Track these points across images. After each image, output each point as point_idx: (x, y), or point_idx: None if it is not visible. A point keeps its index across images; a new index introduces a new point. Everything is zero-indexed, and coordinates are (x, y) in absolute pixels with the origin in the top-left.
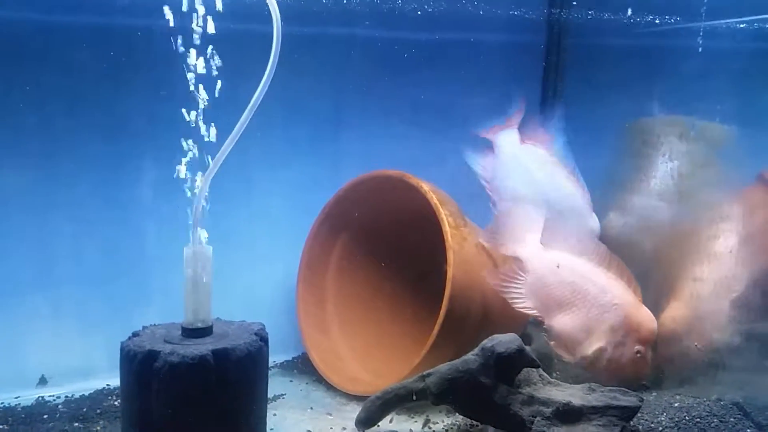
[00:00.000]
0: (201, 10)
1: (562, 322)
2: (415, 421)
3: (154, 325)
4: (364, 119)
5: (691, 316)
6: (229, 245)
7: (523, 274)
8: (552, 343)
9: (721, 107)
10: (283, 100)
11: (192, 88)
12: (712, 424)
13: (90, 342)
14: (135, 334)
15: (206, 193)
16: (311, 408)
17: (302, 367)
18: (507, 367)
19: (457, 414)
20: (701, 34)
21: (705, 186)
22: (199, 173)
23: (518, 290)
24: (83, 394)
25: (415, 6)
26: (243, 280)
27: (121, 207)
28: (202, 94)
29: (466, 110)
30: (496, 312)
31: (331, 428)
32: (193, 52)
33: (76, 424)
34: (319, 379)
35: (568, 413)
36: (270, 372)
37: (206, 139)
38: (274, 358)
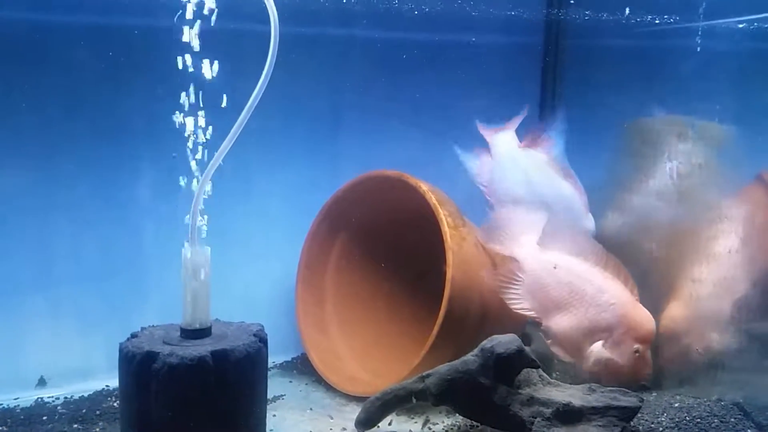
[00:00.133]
0: (199, 10)
1: (560, 322)
2: (415, 422)
3: (153, 326)
4: (363, 120)
5: (690, 316)
6: (228, 246)
7: (520, 275)
8: (550, 343)
9: (720, 107)
10: (281, 101)
11: (190, 88)
12: (713, 425)
13: (89, 343)
14: (134, 335)
15: (204, 194)
16: (311, 409)
17: (301, 367)
18: (506, 368)
19: (456, 415)
20: (700, 33)
21: (704, 186)
22: (198, 173)
23: (515, 291)
24: (82, 395)
25: (413, 6)
26: (242, 281)
27: (120, 207)
28: (201, 95)
29: (465, 111)
30: (495, 312)
31: (331, 429)
32: (191, 51)
33: (76, 425)
34: (319, 380)
35: (568, 414)
36: (269, 372)
37: (204, 139)
38: (274, 358)
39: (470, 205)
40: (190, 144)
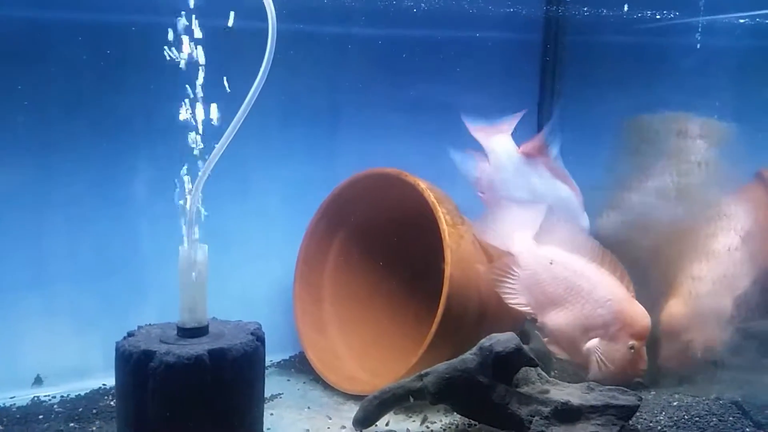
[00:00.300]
0: (197, 6)
1: (556, 318)
2: (413, 421)
3: (150, 324)
4: (361, 117)
5: (690, 314)
6: (225, 244)
7: (516, 270)
8: (545, 339)
9: (720, 104)
10: (279, 99)
11: (187, 86)
12: (711, 423)
13: (86, 341)
14: (130, 334)
15: (201, 192)
16: (308, 407)
17: (299, 366)
18: (505, 367)
19: (455, 413)
20: (700, 30)
21: (704, 184)
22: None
23: (512, 286)
24: (79, 394)
25: (412, 3)
26: (239, 279)
27: (118, 205)
28: (198, 92)
29: (464, 108)
30: (493, 310)
31: (329, 428)
32: (188, 49)
33: (72, 424)
34: (317, 379)
35: (566, 412)
36: (267, 371)
37: (201, 137)
38: (271, 357)
39: (469, 203)
40: (189, 141)
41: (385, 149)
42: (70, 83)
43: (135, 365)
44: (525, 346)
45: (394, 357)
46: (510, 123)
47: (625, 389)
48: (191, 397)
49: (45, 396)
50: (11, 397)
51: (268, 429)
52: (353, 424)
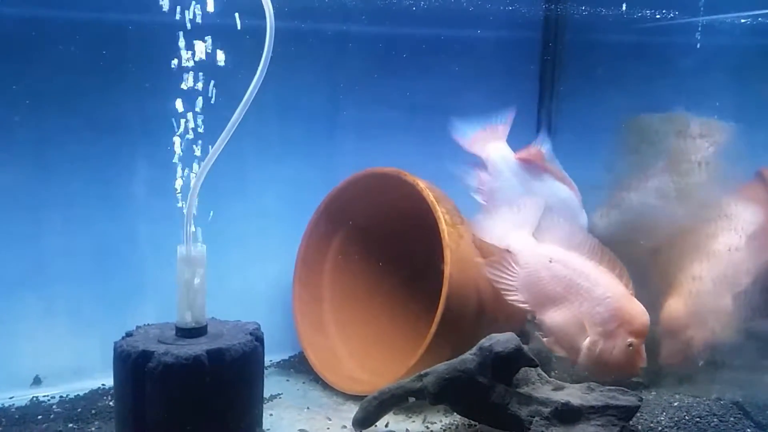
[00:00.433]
0: (194, 4)
1: (555, 316)
2: (413, 421)
3: (148, 324)
4: (360, 117)
5: (689, 312)
6: (224, 244)
7: (515, 268)
8: (545, 340)
9: (720, 104)
10: (277, 98)
11: (185, 84)
12: (712, 424)
13: (84, 341)
14: (128, 334)
15: (198, 192)
16: (308, 408)
17: (299, 366)
18: (505, 367)
19: (454, 414)
20: (700, 29)
21: (703, 184)
22: (193, 168)
23: (510, 283)
24: (78, 394)
25: (411, 2)
26: (238, 279)
27: (115, 204)
28: (195, 91)
29: (463, 107)
30: (493, 310)
31: (328, 428)
32: (186, 48)
33: (71, 424)
34: (316, 379)
35: (566, 413)
36: (266, 371)
37: (199, 136)
38: (271, 357)
39: (468, 203)
40: (186, 140)
41: (384, 148)
42: (68, 82)
43: (133, 365)
44: (525, 347)
45: (393, 357)
46: (504, 128)
47: (626, 389)
48: (190, 398)
49: (44, 396)
50: (10, 398)
51: (268, 429)
52: (353, 424)
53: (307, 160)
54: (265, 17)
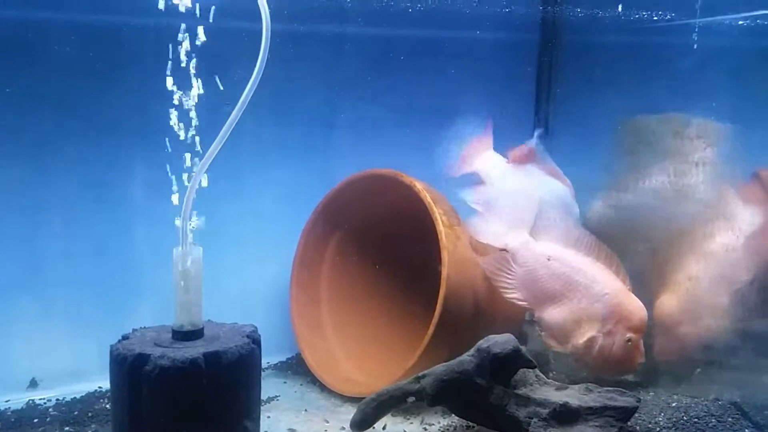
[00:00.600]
0: (192, 7)
1: (553, 313)
2: (411, 423)
3: (145, 327)
4: (357, 118)
5: (682, 308)
6: (221, 245)
7: (513, 267)
8: (543, 334)
9: (717, 104)
10: (274, 99)
11: (182, 86)
12: (710, 424)
13: (81, 343)
14: (125, 337)
15: (195, 193)
16: (306, 410)
17: (296, 368)
18: (503, 368)
19: (452, 415)
20: (697, 30)
21: (700, 184)
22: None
23: (509, 281)
24: (74, 397)
25: (408, 4)
26: (235, 281)
27: (112, 206)
28: (192, 92)
29: (460, 108)
30: (490, 311)
31: (326, 431)
32: (183, 49)
33: (67, 428)
34: (314, 381)
35: (564, 414)
36: (264, 373)
37: (195, 137)
38: (268, 358)
39: (465, 204)
40: (183, 142)
41: (381, 150)
42: (64, 84)
43: (130, 369)
44: (523, 348)
45: (391, 359)
46: (486, 138)
47: (624, 390)
48: (186, 401)
49: (40, 399)
50: (6, 401)
51: (266, 431)
52: (351, 426)
53: (305, 162)
54: (261, 19)
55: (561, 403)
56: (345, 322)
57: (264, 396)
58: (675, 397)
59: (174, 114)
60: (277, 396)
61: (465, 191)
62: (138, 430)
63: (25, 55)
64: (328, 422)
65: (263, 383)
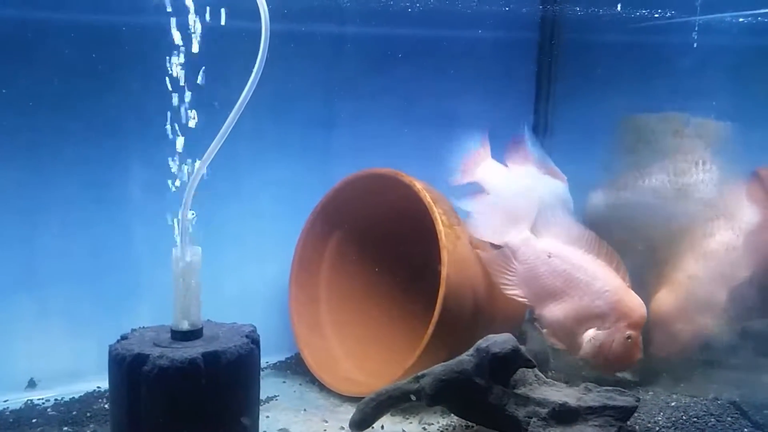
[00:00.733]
0: (190, 6)
1: (554, 310)
2: (410, 423)
3: (144, 327)
4: (356, 117)
5: (679, 306)
6: (220, 245)
7: (514, 264)
8: (544, 331)
9: (717, 103)
10: (273, 99)
11: (181, 86)
12: (710, 424)
13: (80, 343)
14: (124, 337)
15: (194, 193)
16: (305, 410)
17: (296, 367)
18: (502, 368)
19: (451, 415)
20: (696, 29)
21: (700, 183)
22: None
23: (509, 277)
24: (73, 397)
25: (408, 3)
26: (234, 281)
27: (111, 206)
28: (189, 93)
29: (459, 108)
30: (490, 311)
31: (325, 430)
32: (181, 49)
33: (66, 428)
34: (313, 380)
35: (564, 414)
36: (263, 373)
37: (195, 138)
38: (267, 358)
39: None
40: (182, 142)
41: (381, 150)
42: (62, 84)
43: (128, 369)
44: (522, 347)
45: (390, 358)
46: (484, 148)
47: (623, 390)
48: (185, 401)
49: (38, 399)
50: (4, 401)
51: (264, 431)
52: (350, 426)
53: (304, 161)
54: (260, 18)
55: (560, 402)
56: (344, 321)
57: (263, 396)
58: (674, 396)
59: (172, 114)
60: (276, 396)
61: (466, 201)
62: (137, 430)
63: (23, 56)
64: (327, 422)
65: (262, 383)
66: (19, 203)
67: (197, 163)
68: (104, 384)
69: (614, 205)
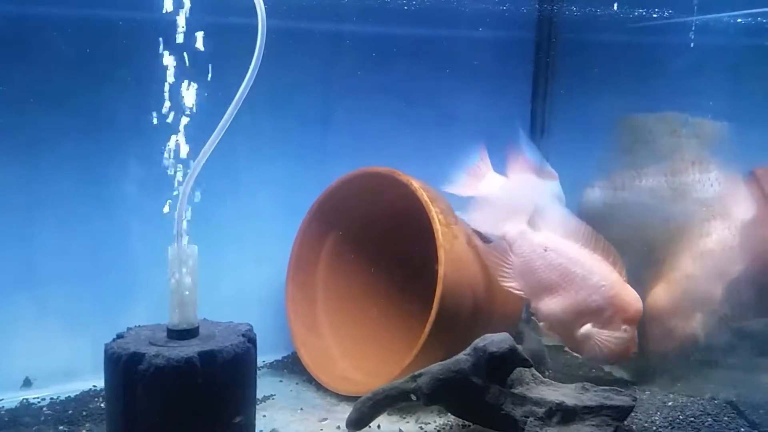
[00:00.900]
0: (186, 2)
1: (550, 304)
2: (407, 422)
3: (140, 326)
4: (353, 116)
5: (674, 302)
6: (217, 244)
7: (510, 257)
8: (541, 324)
9: (714, 103)
10: (269, 96)
11: (177, 82)
12: (706, 423)
13: (76, 342)
14: (120, 336)
15: (191, 191)
16: (301, 409)
17: (292, 366)
18: (499, 367)
19: (448, 414)
20: (693, 29)
21: (696, 183)
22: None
23: (506, 270)
24: (69, 396)
25: (405, 2)
26: (231, 279)
27: (107, 203)
28: (187, 89)
29: (457, 106)
30: (488, 310)
31: (322, 430)
32: (177, 46)
33: (62, 427)
34: (310, 379)
35: (561, 413)
36: (259, 372)
37: (191, 134)
38: (264, 357)
39: (462, 202)
40: (178, 139)
41: (378, 148)
42: (58, 80)
43: (124, 368)
44: (519, 347)
45: (387, 357)
46: (484, 163)
47: (620, 390)
48: (181, 400)
49: (34, 398)
50: (0, 400)
51: (261, 431)
52: (346, 425)
53: (300, 160)
54: (257, 16)
55: (557, 402)
56: (341, 320)
57: (259, 395)
58: (671, 396)
59: (169, 111)
60: (272, 395)
61: (468, 213)
62: (133, 429)
63: (20, 52)
64: (325, 420)
65: (259, 382)
66: (15, 200)
67: (194, 161)
68: (100, 383)
69: (611, 204)
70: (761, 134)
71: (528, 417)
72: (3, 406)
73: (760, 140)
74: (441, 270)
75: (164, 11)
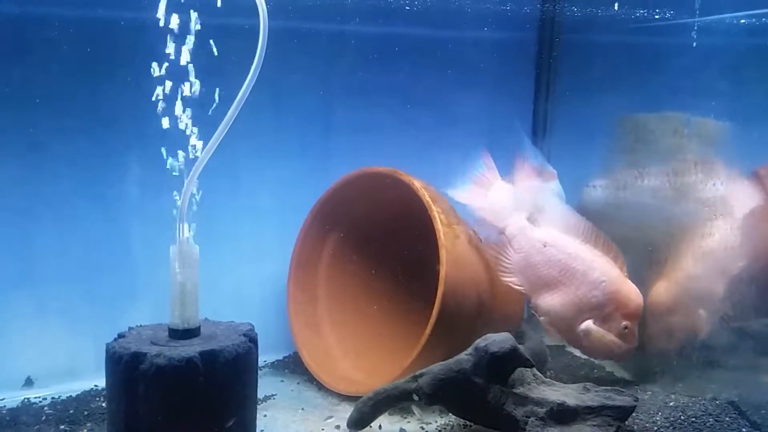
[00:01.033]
0: (187, 2)
1: (550, 300)
2: (408, 422)
3: (141, 325)
4: (354, 116)
5: (675, 299)
6: (218, 244)
7: (510, 253)
8: (541, 319)
9: (716, 103)
10: (271, 97)
11: (177, 83)
12: (708, 423)
13: (77, 342)
14: (121, 336)
15: (193, 191)
16: (302, 408)
17: (293, 366)
18: (500, 367)
19: (450, 414)
20: (695, 29)
21: (698, 183)
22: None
23: (506, 265)
24: (70, 395)
25: (406, 2)
26: (233, 279)
27: (108, 204)
28: (188, 90)
29: (458, 106)
30: (489, 310)
31: (323, 429)
32: (177, 46)
33: (63, 426)
34: (311, 379)
35: (562, 413)
36: (261, 372)
37: (191, 135)
38: (265, 357)
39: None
40: (179, 140)
41: (379, 148)
42: (58, 80)
43: (125, 367)
44: (520, 347)
45: (388, 357)
46: (489, 171)
47: (622, 390)
48: (182, 400)
49: (35, 398)
50: (1, 399)
51: (262, 430)
52: (348, 425)
53: (302, 160)
54: (258, 16)
55: (558, 402)
56: (342, 320)
57: (261, 395)
58: (672, 396)
59: (170, 112)
60: (274, 395)
61: (480, 225)
62: (134, 429)
63: (19, 52)
64: (328, 419)
65: (260, 382)
66: (15, 201)
67: (196, 162)
68: (101, 382)
69: (613, 204)
70: (763, 134)
71: (529, 417)
72: (4, 406)
73: (762, 140)
74: (442, 270)
75: (165, 11)
